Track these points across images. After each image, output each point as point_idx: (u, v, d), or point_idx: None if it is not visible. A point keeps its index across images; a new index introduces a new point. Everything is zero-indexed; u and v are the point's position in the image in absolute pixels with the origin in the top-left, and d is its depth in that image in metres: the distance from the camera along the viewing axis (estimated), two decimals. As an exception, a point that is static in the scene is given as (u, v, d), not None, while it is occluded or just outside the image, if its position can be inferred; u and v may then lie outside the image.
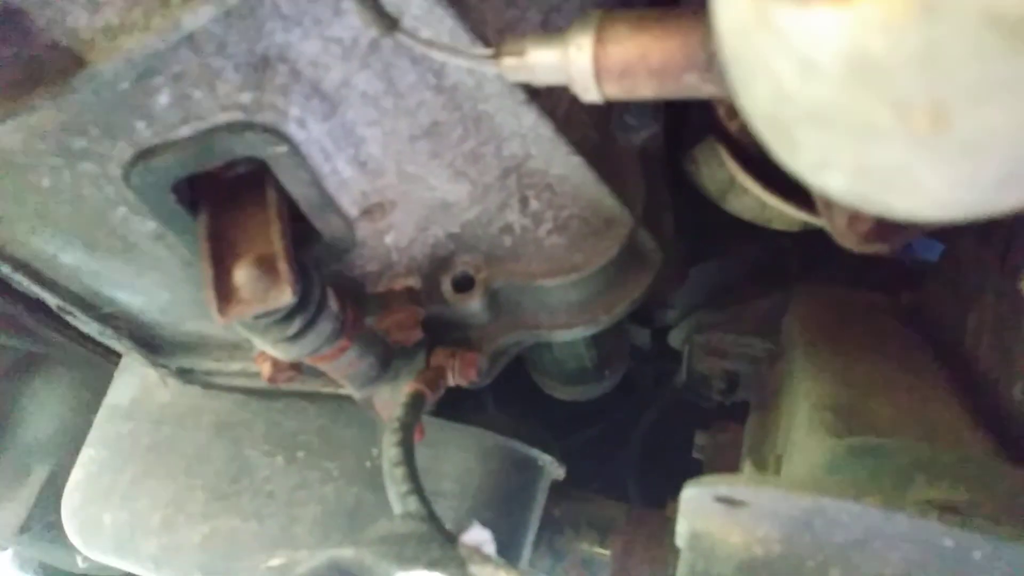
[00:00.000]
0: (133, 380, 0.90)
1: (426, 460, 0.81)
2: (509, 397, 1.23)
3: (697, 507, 0.47)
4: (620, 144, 0.71)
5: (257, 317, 0.53)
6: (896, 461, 0.43)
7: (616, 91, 0.39)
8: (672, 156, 0.82)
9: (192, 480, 0.84)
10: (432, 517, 0.47)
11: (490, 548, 0.45)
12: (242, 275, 0.52)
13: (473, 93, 0.55)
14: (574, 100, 0.66)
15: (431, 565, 0.42)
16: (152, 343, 0.73)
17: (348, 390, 0.74)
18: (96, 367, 1.02)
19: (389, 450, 0.54)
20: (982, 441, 0.53)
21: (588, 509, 1.04)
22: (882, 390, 0.61)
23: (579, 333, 0.75)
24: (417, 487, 0.50)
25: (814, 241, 1.23)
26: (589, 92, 0.40)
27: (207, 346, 0.75)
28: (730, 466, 1.04)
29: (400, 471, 0.52)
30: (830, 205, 0.43)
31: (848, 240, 0.43)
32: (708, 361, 1.17)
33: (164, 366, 0.76)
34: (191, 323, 0.69)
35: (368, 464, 0.82)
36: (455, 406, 0.85)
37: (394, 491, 0.51)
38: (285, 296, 0.51)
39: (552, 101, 0.60)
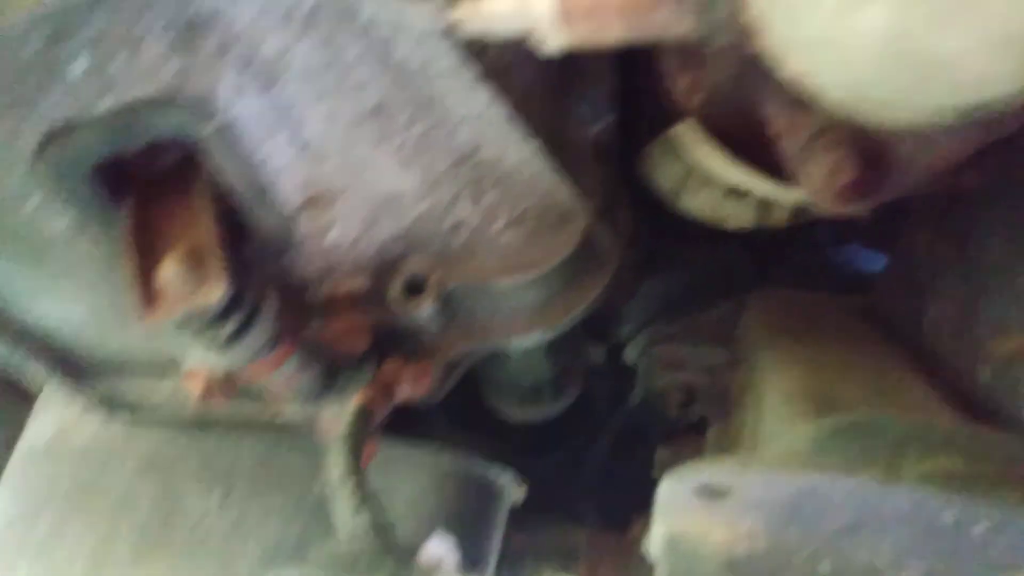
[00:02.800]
0: (51, 418, 0.82)
1: (376, 483, 0.75)
2: (461, 426, 1.18)
3: (675, 504, 0.43)
4: (574, 137, 0.69)
5: (186, 317, 0.48)
6: (887, 436, 0.41)
7: (582, 33, 0.36)
8: (624, 162, 0.80)
9: (118, 524, 0.75)
10: (385, 531, 0.42)
11: (452, 562, 0.40)
12: (169, 270, 0.46)
13: (422, 71, 0.52)
14: (527, 88, 0.64)
15: (386, 584, 0.37)
16: (70, 364, 0.66)
17: (289, 410, 0.68)
18: (14, 404, 0.93)
19: (335, 465, 0.49)
20: (959, 416, 0.51)
21: (549, 536, 0.99)
22: (853, 377, 0.59)
23: (537, 338, 0.71)
24: (368, 499, 0.45)
25: (763, 248, 1.23)
26: (552, 37, 0.37)
27: (132, 367, 0.68)
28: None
29: (349, 485, 0.46)
30: (807, 160, 0.41)
31: (824, 199, 0.41)
32: (664, 375, 1.14)
33: (84, 393, 0.69)
34: (115, 338, 0.63)
35: (314, 495, 0.76)
36: (404, 427, 0.80)
37: (342, 507, 0.45)
38: (216, 292, 0.46)
39: (505, 85, 0.57)
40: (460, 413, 1.06)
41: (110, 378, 0.69)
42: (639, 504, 1.09)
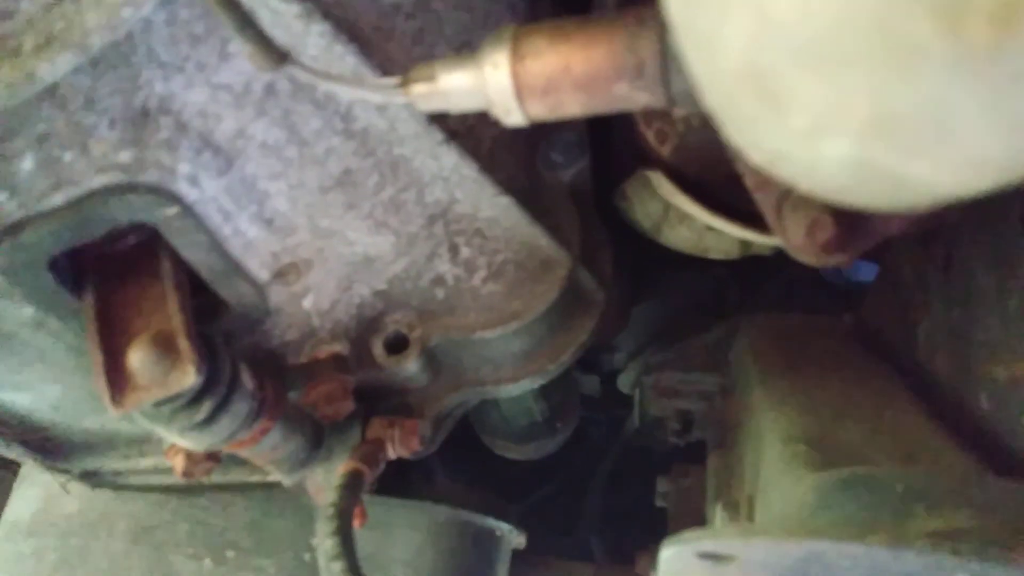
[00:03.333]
0: (34, 491, 0.80)
1: (371, 545, 0.74)
2: (458, 464, 1.17)
3: (678, 568, 0.42)
4: (548, 183, 0.68)
5: (158, 404, 0.47)
6: (891, 491, 0.39)
7: (541, 110, 0.35)
8: (601, 195, 0.79)
9: (109, 597, 0.74)
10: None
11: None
12: (137, 357, 0.45)
13: (386, 136, 0.51)
14: (497, 139, 0.63)
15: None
16: (48, 446, 0.65)
17: (277, 476, 0.66)
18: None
19: (324, 541, 0.48)
20: (963, 457, 0.50)
21: (554, 572, 0.98)
22: (850, 415, 0.57)
23: (526, 386, 0.70)
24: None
25: (750, 269, 1.22)
26: (511, 114, 0.36)
27: (112, 443, 0.66)
28: (696, 511, 0.99)
29: (338, 566, 0.45)
30: (785, 216, 0.40)
31: (805, 254, 0.40)
32: (660, 402, 1.13)
33: (65, 471, 0.68)
34: (90, 419, 0.61)
35: (308, 557, 0.74)
36: (399, 480, 0.79)
37: (333, 588, 0.44)
38: (188, 377, 0.45)
39: (473, 141, 0.56)
40: (457, 454, 1.05)
41: (89, 455, 0.67)
42: (643, 533, 1.08)
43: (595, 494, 1.40)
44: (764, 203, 0.41)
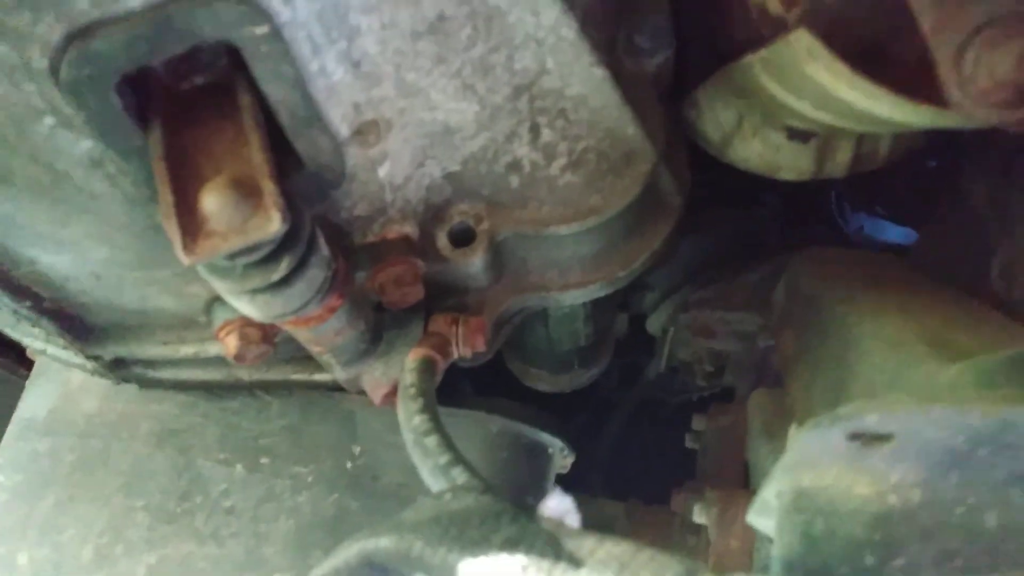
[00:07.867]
0: (50, 387, 0.75)
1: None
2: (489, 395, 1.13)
3: (815, 452, 0.38)
4: (630, 71, 0.63)
5: (233, 256, 0.42)
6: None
7: None
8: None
9: (131, 501, 0.69)
10: (492, 488, 0.36)
11: (575, 519, 0.35)
12: (213, 200, 0.40)
13: (485, -20, 0.45)
14: (588, 9, 0.58)
15: (510, 545, 0.31)
16: (80, 324, 0.59)
17: (330, 370, 0.62)
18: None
19: (411, 420, 0.43)
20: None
21: (585, 510, 0.94)
22: (957, 323, 0.54)
23: (594, 292, 0.65)
24: (460, 456, 0.39)
25: (793, 211, 1.19)
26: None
27: (152, 325, 0.61)
28: (734, 452, 0.96)
29: (433, 440, 0.41)
30: (969, 59, 0.35)
31: (986, 104, 0.35)
32: (694, 343, 1.09)
33: (96, 357, 0.62)
34: (132, 292, 0.56)
35: (349, 465, 0.70)
36: (444, 391, 0.74)
37: (430, 465, 0.40)
38: (272, 224, 0.40)
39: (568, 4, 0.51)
40: (486, 381, 1.00)
41: (124, 339, 0.62)
42: (649, 482, 1.04)
43: (608, 437, 1.37)
44: (942, 48, 0.37)
